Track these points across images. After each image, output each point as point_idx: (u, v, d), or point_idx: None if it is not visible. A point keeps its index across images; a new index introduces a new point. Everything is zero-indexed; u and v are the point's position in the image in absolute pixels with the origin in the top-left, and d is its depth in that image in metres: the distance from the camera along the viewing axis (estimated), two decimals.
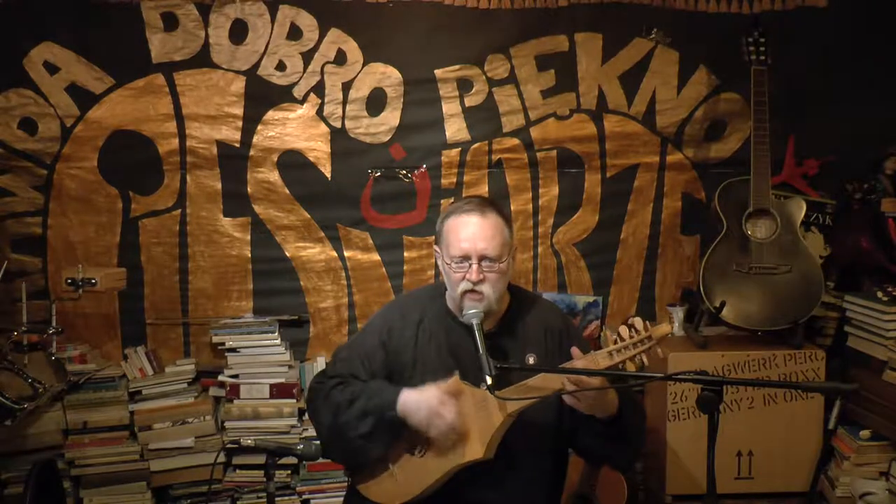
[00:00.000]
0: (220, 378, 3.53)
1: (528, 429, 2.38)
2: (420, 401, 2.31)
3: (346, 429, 2.36)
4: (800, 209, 3.42)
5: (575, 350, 2.30)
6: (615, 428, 2.32)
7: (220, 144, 3.61)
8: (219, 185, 3.63)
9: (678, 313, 3.64)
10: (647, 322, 2.27)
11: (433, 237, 2.60)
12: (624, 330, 2.29)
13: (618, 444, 2.37)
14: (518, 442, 2.37)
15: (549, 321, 2.53)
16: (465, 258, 2.36)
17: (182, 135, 3.59)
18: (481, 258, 2.35)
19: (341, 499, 2.63)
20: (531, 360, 2.43)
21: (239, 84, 3.57)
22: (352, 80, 3.61)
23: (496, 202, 2.52)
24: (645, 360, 2.28)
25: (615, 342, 2.27)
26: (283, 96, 3.60)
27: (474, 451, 2.31)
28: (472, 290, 2.35)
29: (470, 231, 2.37)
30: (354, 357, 2.50)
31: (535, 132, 3.69)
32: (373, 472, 2.44)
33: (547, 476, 2.50)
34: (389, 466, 2.41)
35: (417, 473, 2.36)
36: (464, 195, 3.66)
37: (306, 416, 3.50)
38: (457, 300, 2.40)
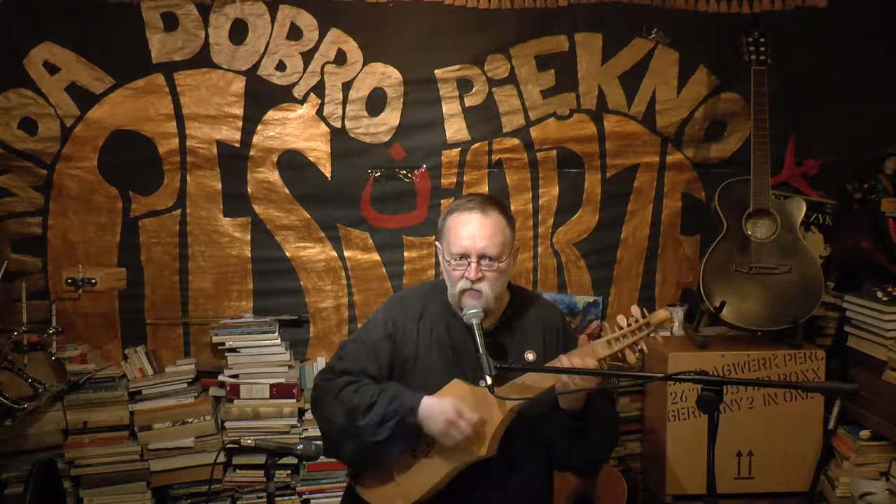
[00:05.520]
0: (220, 378, 3.53)
1: (526, 425, 2.38)
2: (439, 410, 2.29)
3: (364, 433, 2.34)
4: (800, 209, 3.43)
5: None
6: (578, 423, 2.30)
7: (220, 144, 3.61)
8: (219, 185, 3.63)
9: (678, 313, 3.64)
10: (645, 310, 2.27)
11: (433, 237, 2.61)
12: (621, 319, 2.29)
13: (578, 443, 2.34)
14: (517, 439, 2.37)
15: (548, 319, 2.53)
16: (465, 256, 2.36)
17: (182, 135, 3.59)
18: (480, 257, 2.35)
19: (341, 499, 2.62)
20: (530, 357, 2.44)
21: (239, 84, 3.57)
22: (352, 80, 3.61)
23: (500, 200, 2.51)
24: (644, 347, 2.27)
25: (613, 331, 2.28)
26: (283, 96, 3.60)
27: (478, 448, 2.30)
28: (470, 289, 2.36)
29: (470, 229, 2.37)
30: (361, 350, 2.47)
31: (535, 132, 3.69)
32: (374, 476, 2.43)
33: (546, 472, 2.50)
34: (391, 470, 2.39)
35: (420, 475, 2.35)
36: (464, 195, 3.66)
37: (306, 416, 3.51)
38: (455, 297, 2.40)
